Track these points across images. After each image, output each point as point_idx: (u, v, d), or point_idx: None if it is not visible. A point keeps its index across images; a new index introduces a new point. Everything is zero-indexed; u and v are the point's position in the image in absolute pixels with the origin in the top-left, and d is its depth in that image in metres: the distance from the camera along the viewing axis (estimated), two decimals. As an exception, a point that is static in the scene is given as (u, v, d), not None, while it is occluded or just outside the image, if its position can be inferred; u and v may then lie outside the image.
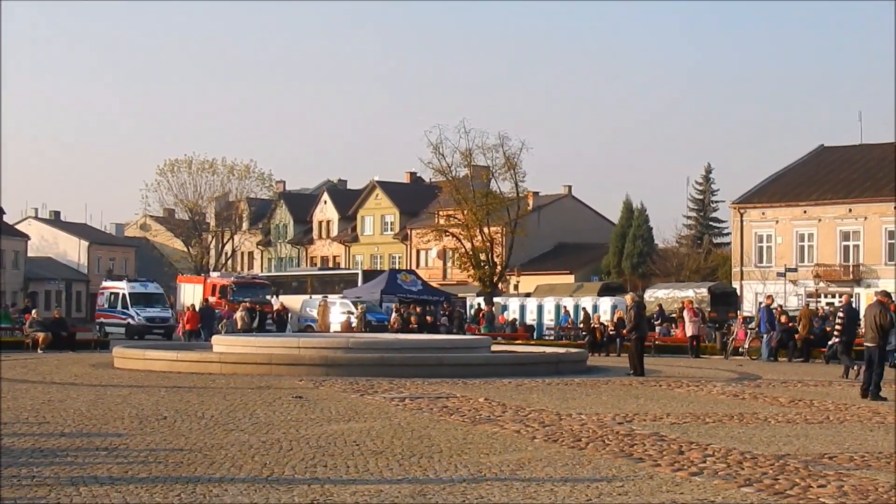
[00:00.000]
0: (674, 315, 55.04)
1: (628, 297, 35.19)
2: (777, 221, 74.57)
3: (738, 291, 70.01)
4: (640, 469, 13.20)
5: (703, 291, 62.53)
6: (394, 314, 53.83)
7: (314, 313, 59.53)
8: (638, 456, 14.24)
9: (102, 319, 63.99)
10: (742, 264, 75.63)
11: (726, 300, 62.90)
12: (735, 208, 76.94)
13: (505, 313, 63.64)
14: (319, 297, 62.08)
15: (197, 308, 55.00)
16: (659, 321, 51.45)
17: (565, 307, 60.61)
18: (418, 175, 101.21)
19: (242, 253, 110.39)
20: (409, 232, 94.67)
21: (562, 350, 36.54)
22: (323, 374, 27.71)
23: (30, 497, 11.12)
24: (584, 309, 58.30)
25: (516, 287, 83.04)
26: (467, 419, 18.26)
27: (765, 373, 32.79)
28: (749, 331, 44.55)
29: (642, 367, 31.10)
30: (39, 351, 42.13)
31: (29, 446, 14.75)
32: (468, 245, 70.60)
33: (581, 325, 53.65)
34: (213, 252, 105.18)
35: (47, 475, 12.33)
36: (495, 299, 68.11)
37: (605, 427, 17.34)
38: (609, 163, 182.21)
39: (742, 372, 33.17)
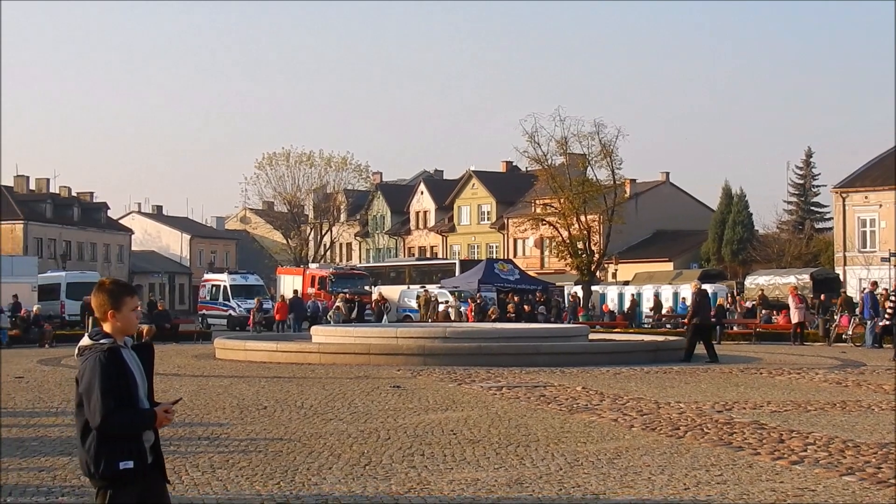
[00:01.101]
0: (776, 301, 54.38)
1: (693, 285, 34.69)
2: (881, 205, 73.08)
3: (841, 277, 68.84)
4: (739, 458, 13.08)
5: (805, 277, 61.50)
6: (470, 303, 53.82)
7: (412, 303, 59.80)
8: (737, 444, 14.11)
9: (204, 311, 64.97)
10: (845, 249, 74.35)
11: (829, 286, 61.83)
12: (837, 192, 75.59)
13: (603, 302, 63.33)
14: (417, 287, 62.32)
15: (287, 300, 55.60)
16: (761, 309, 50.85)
17: (683, 297, 59.66)
18: (514, 164, 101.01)
19: (341, 244, 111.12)
20: (505, 221, 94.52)
21: (660, 338, 36.24)
22: (421, 363, 27.84)
23: (134, 485, 11.35)
24: (683, 297, 57.72)
25: (614, 275, 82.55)
26: (564, 408, 18.23)
27: (869, 360, 32.20)
28: (853, 317, 43.73)
29: (713, 353, 30.62)
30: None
31: (133, 436, 15.02)
32: (565, 233, 70.26)
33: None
34: (311, 243, 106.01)
35: (151, 464, 12.55)
36: (593, 288, 67.78)
37: (703, 415, 17.20)
38: (707, 149, 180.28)
39: (845, 359, 32.62)
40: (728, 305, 53.31)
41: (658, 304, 59.60)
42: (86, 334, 6.45)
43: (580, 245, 69.99)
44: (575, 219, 69.50)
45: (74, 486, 11.29)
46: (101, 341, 6.31)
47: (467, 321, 49.90)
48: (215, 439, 14.67)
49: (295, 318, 52.46)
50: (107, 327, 6.40)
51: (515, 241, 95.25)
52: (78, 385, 6.31)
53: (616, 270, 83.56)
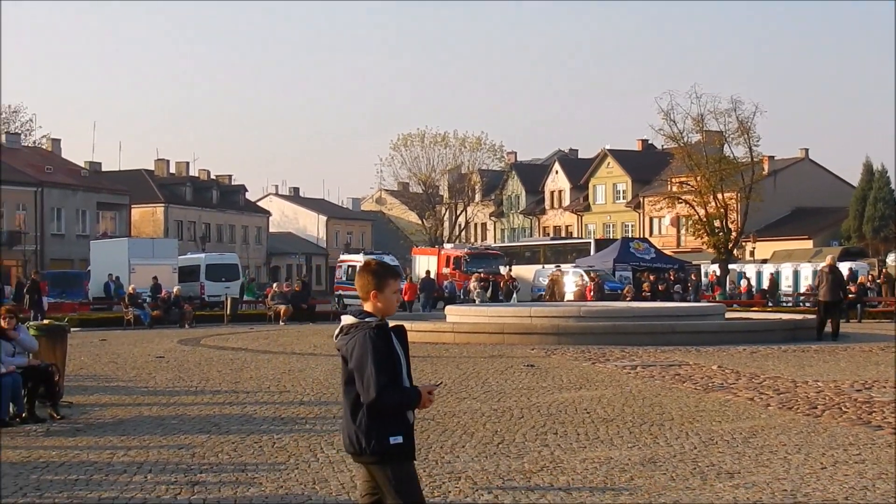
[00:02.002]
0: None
1: (827, 260, 33.80)
2: None
3: None
4: (878, 437, 12.79)
5: (949, 254, 59.81)
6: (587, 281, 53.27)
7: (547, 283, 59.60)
8: (876, 423, 13.79)
9: (341, 291, 65.48)
10: None
11: (976, 263, 59.95)
12: (984, 166, 73.32)
13: (741, 280, 62.35)
14: (552, 266, 62.12)
15: (418, 280, 55.85)
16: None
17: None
18: (650, 142, 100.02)
19: (475, 224, 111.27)
20: (641, 200, 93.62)
21: (798, 317, 35.55)
22: (555, 342, 27.76)
23: (270, 462, 11.53)
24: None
25: (752, 253, 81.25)
26: (699, 387, 18.02)
27: None
28: None
29: (836, 330, 30.02)
30: (281, 323, 43.53)
31: (270, 414, 15.30)
32: (702, 212, 69.34)
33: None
34: (446, 224, 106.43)
35: (286, 442, 12.76)
36: (730, 266, 66.81)
37: (842, 394, 16.84)
38: (847, 124, 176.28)
39: None
40: (869, 284, 52.08)
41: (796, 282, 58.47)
42: (346, 313, 6.58)
43: (717, 223, 69.06)
44: (712, 197, 68.60)
45: (213, 463, 11.50)
46: (367, 319, 6.45)
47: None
48: (350, 418, 14.77)
49: (426, 297, 52.76)
50: (367, 307, 6.55)
51: (651, 219, 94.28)
52: (346, 362, 6.47)
53: (754, 248, 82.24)
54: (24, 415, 14.80)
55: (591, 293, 51.89)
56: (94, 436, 13.55)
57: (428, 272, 61.11)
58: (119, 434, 13.61)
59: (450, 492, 10.04)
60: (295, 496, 9.89)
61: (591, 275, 54.21)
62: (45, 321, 19.66)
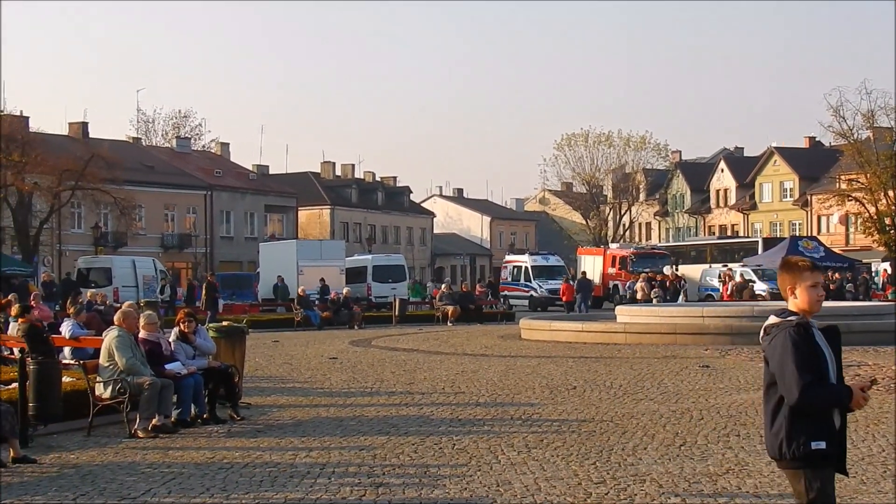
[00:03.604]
0: None
1: None
2: None
3: None
4: None
5: None
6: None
7: (714, 282, 58.61)
8: None
9: (506, 292, 65.55)
10: None
11: None
12: None
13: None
14: (719, 266, 61.10)
15: (575, 280, 55.56)
16: None
17: None
18: (818, 139, 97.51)
19: (640, 224, 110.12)
20: (808, 198, 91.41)
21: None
22: (728, 342, 27.16)
23: (452, 463, 11.45)
24: None
25: (924, 252, 78.83)
26: (881, 388, 17.35)
27: None
28: None
29: None
30: (449, 323, 43.63)
31: (447, 416, 15.24)
32: (872, 209, 67.47)
33: None
34: (610, 223, 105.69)
35: (466, 443, 12.67)
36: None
37: None
38: None
39: None
40: None
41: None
42: (771, 314, 6.36)
43: (888, 221, 67.09)
44: (883, 194, 66.67)
45: (394, 464, 11.47)
46: (788, 318, 6.24)
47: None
48: (528, 419, 14.67)
49: (583, 298, 52.57)
50: (789, 305, 6.34)
51: (819, 217, 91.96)
52: (767, 364, 6.27)
53: (925, 247, 79.63)
54: (205, 416, 15.01)
55: (728, 293, 51.15)
56: (275, 437, 13.67)
57: (584, 273, 60.74)
58: (299, 435, 13.69)
59: (636, 494, 9.83)
60: (479, 498, 9.79)
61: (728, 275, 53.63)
62: (224, 323, 19.91)
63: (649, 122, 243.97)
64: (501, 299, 62.45)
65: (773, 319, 6.27)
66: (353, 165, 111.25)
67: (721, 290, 53.80)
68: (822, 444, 6.05)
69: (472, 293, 51.00)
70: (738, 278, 53.90)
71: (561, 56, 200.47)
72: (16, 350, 19.35)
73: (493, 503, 9.61)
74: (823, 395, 6.04)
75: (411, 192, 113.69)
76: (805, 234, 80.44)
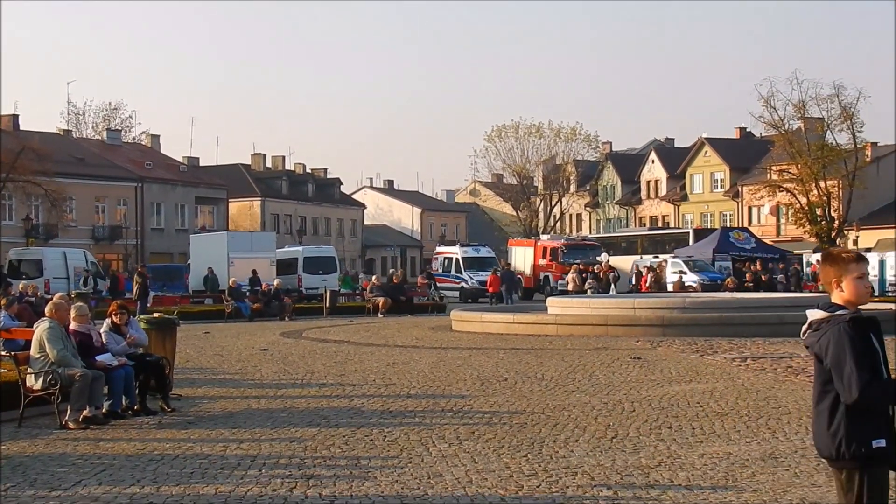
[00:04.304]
0: None
1: None
2: None
3: None
4: None
5: None
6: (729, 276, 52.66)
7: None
8: None
9: (437, 283, 65.58)
10: None
11: None
12: None
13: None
14: (650, 257, 61.56)
15: (499, 271, 56.02)
16: None
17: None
18: (748, 130, 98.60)
19: (571, 215, 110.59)
20: (740, 189, 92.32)
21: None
22: (660, 334, 27.36)
23: (383, 455, 11.44)
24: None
25: (855, 242, 79.74)
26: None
27: None
28: None
29: None
30: (380, 315, 43.59)
31: (378, 407, 15.22)
32: (803, 200, 68.31)
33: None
34: (541, 215, 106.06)
35: (397, 435, 12.66)
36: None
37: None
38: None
39: None
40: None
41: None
42: (815, 307, 6.13)
43: (819, 212, 67.96)
44: (814, 184, 67.52)
45: (325, 456, 11.44)
46: (839, 312, 6.01)
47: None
48: (459, 411, 14.69)
49: (507, 289, 52.96)
50: (834, 298, 6.13)
51: (750, 208, 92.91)
52: (820, 361, 6.00)
53: (857, 237, 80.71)
54: (136, 407, 14.90)
55: (647, 284, 51.74)
56: (206, 428, 13.59)
57: (508, 264, 61.09)
58: (230, 427, 13.62)
59: (567, 487, 9.85)
60: (410, 490, 9.77)
61: (646, 266, 54.28)
62: (155, 314, 19.77)
63: (580, 113, 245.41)
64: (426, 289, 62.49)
65: (818, 314, 6.08)
66: (283, 157, 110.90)
67: (640, 283, 54.37)
68: (882, 443, 5.90)
69: (403, 284, 50.91)
70: (643, 268, 54.66)
71: (491, 47, 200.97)
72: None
73: (424, 496, 9.59)
74: (882, 393, 5.86)
75: (342, 183, 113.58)
76: (736, 226, 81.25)
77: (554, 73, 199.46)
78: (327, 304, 45.86)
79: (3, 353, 17.39)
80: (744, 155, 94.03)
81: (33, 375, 14.18)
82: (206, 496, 9.66)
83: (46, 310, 14.97)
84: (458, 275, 64.48)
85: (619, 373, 19.08)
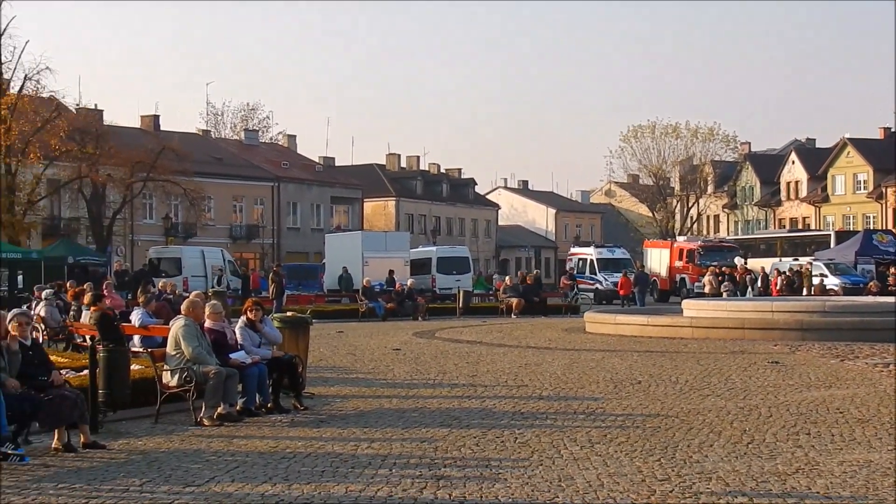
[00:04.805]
0: None
1: None
2: None
3: None
4: None
5: None
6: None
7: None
8: None
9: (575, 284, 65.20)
10: None
11: None
12: None
13: None
14: (789, 259, 60.42)
15: (629, 274, 55.26)
16: None
17: None
18: (893, 130, 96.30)
19: (708, 216, 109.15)
20: (884, 190, 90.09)
21: None
22: (798, 338, 26.75)
23: (513, 457, 11.35)
24: None
25: None
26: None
27: None
28: None
29: None
30: (513, 316, 43.48)
31: (510, 409, 15.14)
32: (953, 201, 66.55)
33: None
34: (678, 216, 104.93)
35: (528, 437, 12.57)
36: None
37: None
38: None
39: None
40: None
41: None
42: None
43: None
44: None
45: (456, 457, 11.40)
46: None
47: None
48: (591, 414, 14.54)
49: (640, 291, 52.29)
50: None
51: (895, 210, 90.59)
52: None
53: None
54: (269, 405, 15.06)
55: (777, 288, 50.68)
56: (338, 427, 13.66)
57: (641, 266, 60.38)
58: (362, 426, 13.67)
59: (701, 493, 9.66)
60: (541, 493, 9.67)
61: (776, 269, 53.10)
62: (289, 313, 19.97)
63: (717, 113, 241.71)
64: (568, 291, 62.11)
65: None
66: (418, 157, 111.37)
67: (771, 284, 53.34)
68: None
69: (538, 285, 50.65)
70: (773, 271, 53.58)
71: (628, 46, 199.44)
72: (87, 338, 19.58)
73: (554, 499, 9.49)
74: None
75: (476, 183, 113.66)
76: (880, 228, 79.34)
77: (691, 72, 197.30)
78: (460, 305, 45.89)
79: (141, 349, 17.74)
80: (888, 156, 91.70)
81: (169, 372, 14.44)
82: (337, 495, 9.68)
83: (183, 308, 15.21)
84: (593, 276, 64.11)
85: (756, 377, 18.70)
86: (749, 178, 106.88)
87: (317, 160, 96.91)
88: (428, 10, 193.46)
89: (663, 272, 64.71)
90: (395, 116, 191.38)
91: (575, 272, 65.01)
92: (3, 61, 52.20)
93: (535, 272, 59.09)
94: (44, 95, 53.17)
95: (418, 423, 13.90)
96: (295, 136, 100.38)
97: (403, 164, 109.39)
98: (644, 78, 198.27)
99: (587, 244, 77.69)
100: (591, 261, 65.49)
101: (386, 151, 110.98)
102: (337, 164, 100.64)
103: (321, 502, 9.44)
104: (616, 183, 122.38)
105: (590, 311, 37.77)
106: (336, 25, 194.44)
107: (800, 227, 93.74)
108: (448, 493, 9.67)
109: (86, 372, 14.37)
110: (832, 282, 53.08)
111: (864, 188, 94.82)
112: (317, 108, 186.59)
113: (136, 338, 19.54)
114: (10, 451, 11.20)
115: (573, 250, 72.69)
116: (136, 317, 20.15)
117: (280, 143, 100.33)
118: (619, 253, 67.68)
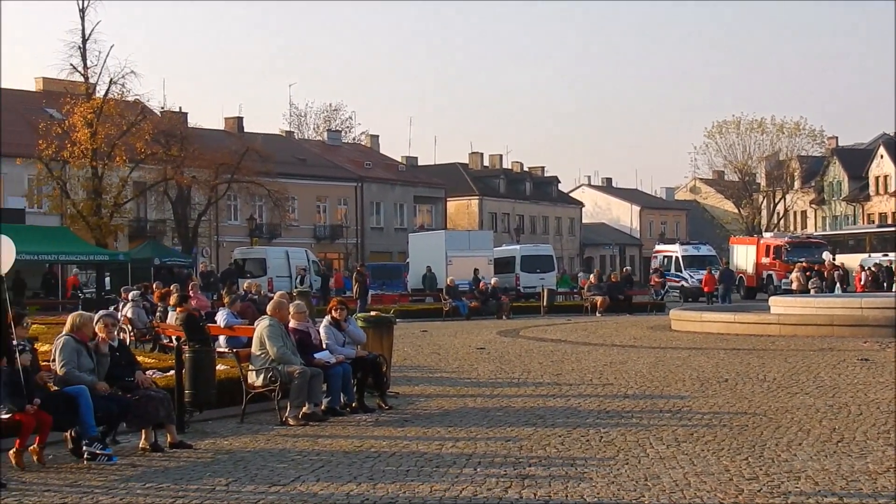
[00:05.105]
0: None
1: None
2: None
3: None
4: None
5: None
6: None
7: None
8: None
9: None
10: None
11: None
12: None
13: None
14: (878, 255, 59.42)
15: (713, 272, 54.67)
16: None
17: None
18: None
19: (795, 212, 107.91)
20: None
21: None
22: (889, 335, 26.19)
23: (599, 456, 11.28)
24: None
25: None
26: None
27: None
28: None
29: None
30: (598, 314, 43.28)
31: (595, 407, 15.06)
32: None
33: None
34: (764, 212, 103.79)
35: (614, 436, 12.49)
36: None
37: None
38: None
39: None
40: None
41: None
42: None
43: None
44: None
45: (541, 456, 11.35)
46: None
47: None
48: (677, 412, 14.42)
49: (725, 288, 51.72)
50: None
51: None
52: None
53: None
54: (353, 404, 15.11)
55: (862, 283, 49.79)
56: (422, 426, 13.67)
57: (727, 263, 59.71)
58: (446, 425, 13.67)
59: (790, 492, 9.53)
60: (627, 493, 9.59)
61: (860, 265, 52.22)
62: (372, 313, 20.05)
63: (804, 107, 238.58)
64: (652, 289, 61.67)
65: None
66: (500, 156, 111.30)
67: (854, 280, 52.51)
68: None
69: (622, 283, 50.30)
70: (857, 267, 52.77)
71: (710, 41, 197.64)
72: (174, 338, 19.81)
73: (640, 498, 9.41)
74: None
75: (559, 181, 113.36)
76: (971, 221, 77.78)
77: (776, 67, 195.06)
78: (545, 303, 45.79)
79: (226, 350, 17.90)
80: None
81: (254, 372, 14.55)
82: (421, 494, 9.68)
83: (268, 308, 15.32)
84: (678, 273, 63.64)
85: (846, 375, 18.42)
86: (836, 173, 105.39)
87: (399, 160, 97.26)
88: (509, 9, 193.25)
89: (750, 269, 63.96)
90: (478, 115, 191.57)
91: (672, 270, 64.60)
92: (88, 66, 53.01)
93: (626, 269, 58.70)
94: (129, 99, 53.80)
95: (503, 422, 13.87)
96: (378, 137, 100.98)
97: (486, 163, 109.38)
98: (728, 73, 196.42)
99: (672, 241, 77.14)
100: (677, 258, 65.05)
101: (468, 150, 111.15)
102: (419, 163, 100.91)
103: (406, 502, 9.46)
104: (701, 179, 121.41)
105: (675, 308, 37.47)
106: (418, 25, 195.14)
107: (889, 221, 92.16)
108: (533, 493, 9.63)
109: (172, 372, 14.55)
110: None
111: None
112: (399, 108, 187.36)
113: (222, 338, 19.71)
114: (98, 452, 11.37)
115: (658, 247, 72.23)
116: (221, 317, 20.32)
117: (363, 143, 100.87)
118: (705, 250, 67.09)
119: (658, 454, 11.32)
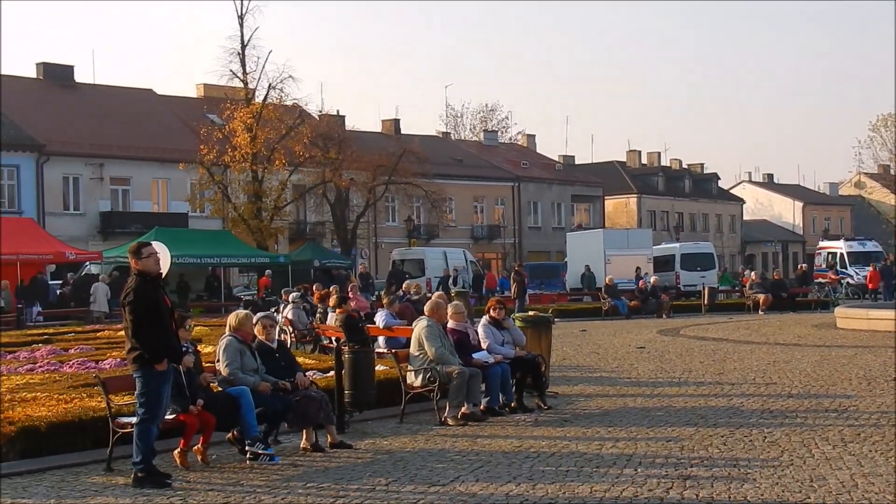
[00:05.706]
0: None
1: None
2: None
3: None
4: None
5: None
6: None
7: None
8: None
9: (820, 280, 63.41)
10: None
11: None
12: None
13: None
14: None
15: (878, 268, 53.06)
16: None
17: None
18: None
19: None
20: None
21: None
22: None
23: (762, 457, 11.08)
24: None
25: None
26: None
27: None
28: None
29: None
30: (760, 312, 42.55)
31: (758, 407, 14.81)
32: None
33: None
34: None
35: (778, 436, 12.26)
36: None
37: None
38: None
39: None
40: None
41: None
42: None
43: None
44: None
45: (703, 457, 11.20)
46: None
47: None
48: (843, 412, 14.08)
49: (885, 285, 50.22)
50: None
51: None
52: None
53: None
54: (512, 404, 15.11)
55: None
56: (582, 426, 13.59)
57: (887, 258, 58.02)
58: (606, 425, 13.58)
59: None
60: (791, 494, 9.40)
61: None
62: (531, 313, 20.02)
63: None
64: (816, 286, 60.40)
65: None
66: (658, 153, 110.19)
67: None
68: None
69: (798, 281, 49.25)
70: None
71: (872, 34, 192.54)
72: (333, 339, 20.06)
73: (806, 499, 9.21)
74: None
75: (719, 178, 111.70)
76: None
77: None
78: (706, 301, 45.19)
79: (385, 350, 18.06)
80: None
81: (413, 373, 14.66)
82: (581, 495, 9.62)
83: (425, 308, 15.41)
84: (843, 270, 62.22)
85: None
86: None
87: (556, 159, 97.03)
88: (667, 7, 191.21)
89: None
90: (635, 113, 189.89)
91: (822, 266, 63.28)
92: (247, 71, 54.17)
93: (801, 266, 57.52)
94: (287, 103, 54.77)
95: (664, 421, 13.72)
96: (534, 136, 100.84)
97: (644, 161, 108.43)
98: (891, 65, 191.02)
99: (836, 237, 75.43)
100: (841, 254, 63.65)
101: (626, 148, 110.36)
102: (576, 162, 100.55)
103: (565, 502, 9.41)
104: (865, 174, 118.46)
105: (840, 306, 36.61)
106: (572, 24, 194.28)
107: None
108: (695, 494, 9.50)
109: (332, 373, 14.72)
110: None
111: None
112: (555, 107, 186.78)
113: (381, 339, 19.89)
114: (260, 451, 11.58)
115: (822, 244, 70.78)
116: (380, 318, 20.50)
117: (519, 142, 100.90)
118: (871, 246, 65.44)
119: (824, 455, 11.07)
